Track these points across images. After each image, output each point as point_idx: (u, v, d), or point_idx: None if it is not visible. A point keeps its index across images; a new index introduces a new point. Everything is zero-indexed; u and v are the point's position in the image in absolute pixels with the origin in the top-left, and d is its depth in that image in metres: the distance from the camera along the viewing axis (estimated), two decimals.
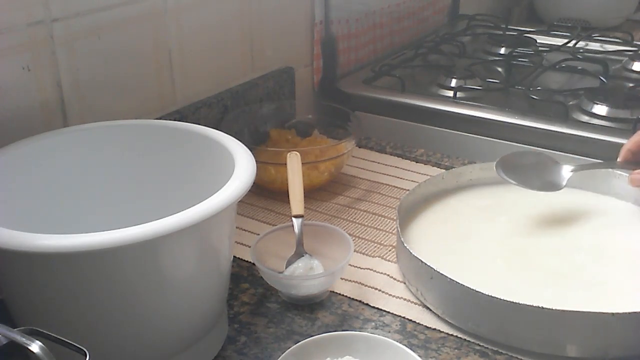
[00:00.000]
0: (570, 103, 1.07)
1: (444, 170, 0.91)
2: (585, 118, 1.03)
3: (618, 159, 0.80)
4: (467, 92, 1.12)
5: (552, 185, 0.81)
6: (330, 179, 0.93)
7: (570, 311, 0.59)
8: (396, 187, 0.93)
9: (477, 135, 1.04)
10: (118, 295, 0.50)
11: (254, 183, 0.56)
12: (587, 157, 0.93)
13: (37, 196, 0.62)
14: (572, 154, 0.96)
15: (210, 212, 0.50)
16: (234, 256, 0.72)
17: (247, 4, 0.98)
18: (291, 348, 0.58)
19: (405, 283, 0.72)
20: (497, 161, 0.81)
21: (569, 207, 0.83)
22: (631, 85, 1.18)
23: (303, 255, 0.71)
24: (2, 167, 0.59)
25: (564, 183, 0.80)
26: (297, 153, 0.80)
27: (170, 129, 0.68)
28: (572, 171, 0.81)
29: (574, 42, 1.42)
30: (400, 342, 0.59)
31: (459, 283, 0.63)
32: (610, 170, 0.84)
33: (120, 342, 0.53)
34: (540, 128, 1.00)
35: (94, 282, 0.49)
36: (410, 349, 0.58)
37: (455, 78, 1.16)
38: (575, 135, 0.97)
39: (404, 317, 0.67)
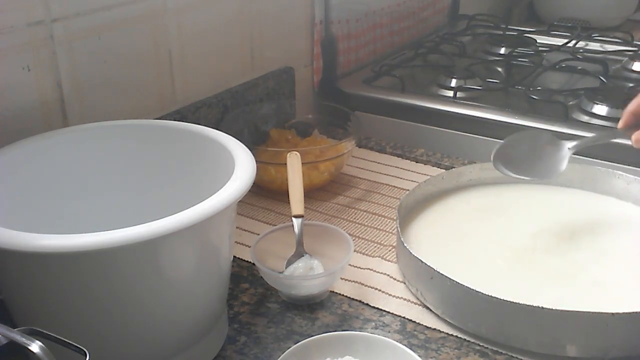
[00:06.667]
0: (570, 103, 1.07)
1: (444, 170, 0.91)
2: (585, 118, 1.03)
3: (619, 124, 0.76)
4: (467, 92, 1.12)
5: (552, 171, 0.79)
6: (330, 179, 0.93)
7: (570, 311, 0.59)
8: (396, 187, 0.93)
9: (477, 135, 1.04)
10: (118, 295, 0.50)
11: (254, 183, 0.56)
12: (587, 157, 0.93)
13: (37, 196, 0.62)
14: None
15: (210, 212, 0.50)
16: (234, 256, 0.72)
17: (247, 4, 0.98)
18: (291, 348, 0.58)
19: (405, 283, 0.72)
20: (493, 154, 0.79)
21: (569, 207, 0.83)
22: (631, 85, 1.18)
23: (303, 255, 0.71)
24: (2, 167, 0.59)
25: (564, 167, 0.78)
26: (297, 153, 0.80)
27: (170, 129, 0.68)
28: (570, 148, 0.79)
29: (574, 42, 1.42)
30: (400, 342, 0.59)
31: (459, 283, 0.63)
32: (610, 170, 0.84)
33: (120, 342, 0.53)
34: (540, 128, 0.99)
35: (94, 282, 0.49)
36: (410, 349, 0.58)
37: (455, 78, 1.16)
38: (575, 135, 0.97)
39: (404, 317, 0.67)
